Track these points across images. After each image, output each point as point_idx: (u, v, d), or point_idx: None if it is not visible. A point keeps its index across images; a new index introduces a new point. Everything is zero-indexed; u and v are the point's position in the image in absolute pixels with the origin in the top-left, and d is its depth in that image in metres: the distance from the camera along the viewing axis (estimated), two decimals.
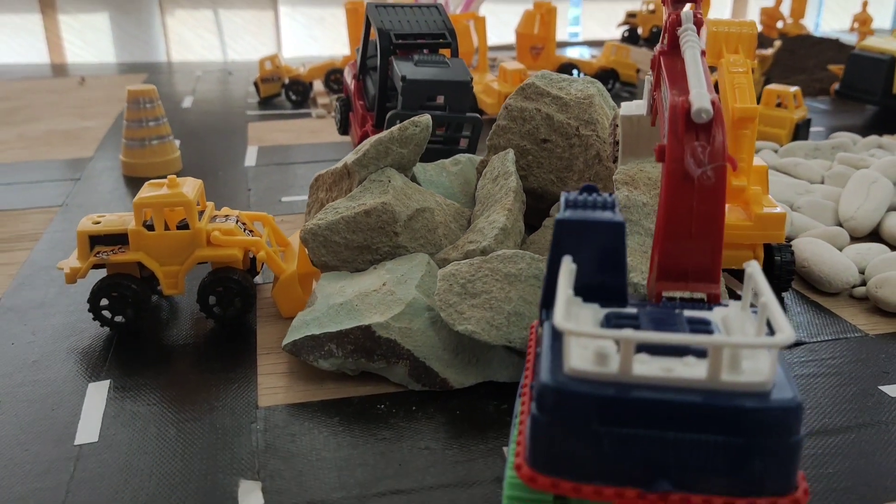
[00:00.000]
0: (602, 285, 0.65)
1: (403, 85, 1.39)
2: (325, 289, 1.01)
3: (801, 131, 1.81)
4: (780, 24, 3.28)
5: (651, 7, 3.43)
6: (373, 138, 1.12)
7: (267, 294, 1.15)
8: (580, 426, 0.53)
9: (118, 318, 1.04)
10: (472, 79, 1.42)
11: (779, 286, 1.12)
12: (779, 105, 1.82)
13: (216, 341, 1.03)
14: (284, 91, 2.57)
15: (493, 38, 4.01)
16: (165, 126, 1.80)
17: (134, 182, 1.73)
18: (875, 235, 1.35)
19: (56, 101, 2.67)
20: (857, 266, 1.18)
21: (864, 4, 3.27)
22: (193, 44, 3.87)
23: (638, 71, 2.77)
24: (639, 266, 0.91)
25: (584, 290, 0.65)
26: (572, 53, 3.42)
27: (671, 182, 0.68)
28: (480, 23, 2.49)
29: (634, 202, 0.94)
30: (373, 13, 1.54)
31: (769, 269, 1.12)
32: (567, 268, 0.62)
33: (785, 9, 3.45)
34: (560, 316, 0.54)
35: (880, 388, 0.91)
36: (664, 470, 0.53)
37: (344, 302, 0.95)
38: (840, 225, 1.35)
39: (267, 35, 3.87)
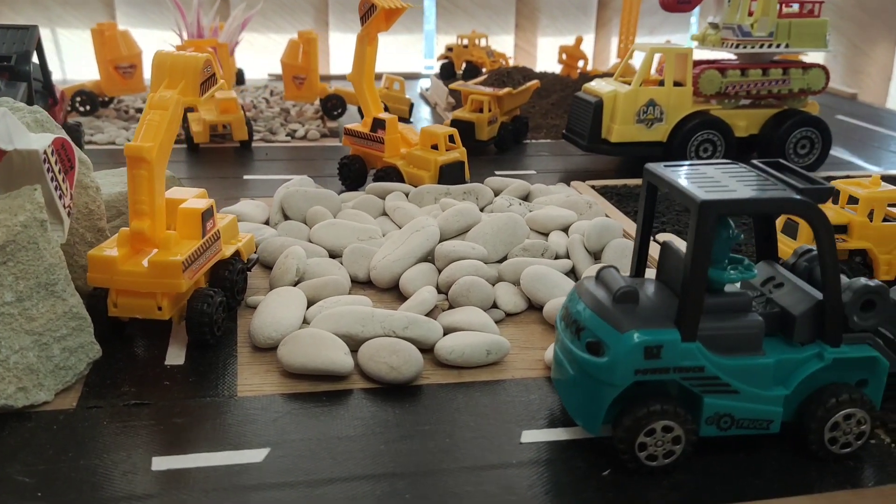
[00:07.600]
0: None
1: None
2: None
3: (450, 174, 1.75)
4: (581, 64, 3.24)
5: (465, 42, 3.39)
6: None
7: None
8: None
9: None
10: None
11: (199, 334, 1.06)
12: (434, 147, 1.76)
13: None
14: None
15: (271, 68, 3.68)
16: None
17: None
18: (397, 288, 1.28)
19: None
20: None
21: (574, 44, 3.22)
22: None
23: (411, 106, 2.71)
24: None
25: None
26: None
27: None
28: (223, 49, 2.44)
29: None
30: None
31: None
32: None
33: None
34: None
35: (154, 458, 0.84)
36: None
37: None
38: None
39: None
